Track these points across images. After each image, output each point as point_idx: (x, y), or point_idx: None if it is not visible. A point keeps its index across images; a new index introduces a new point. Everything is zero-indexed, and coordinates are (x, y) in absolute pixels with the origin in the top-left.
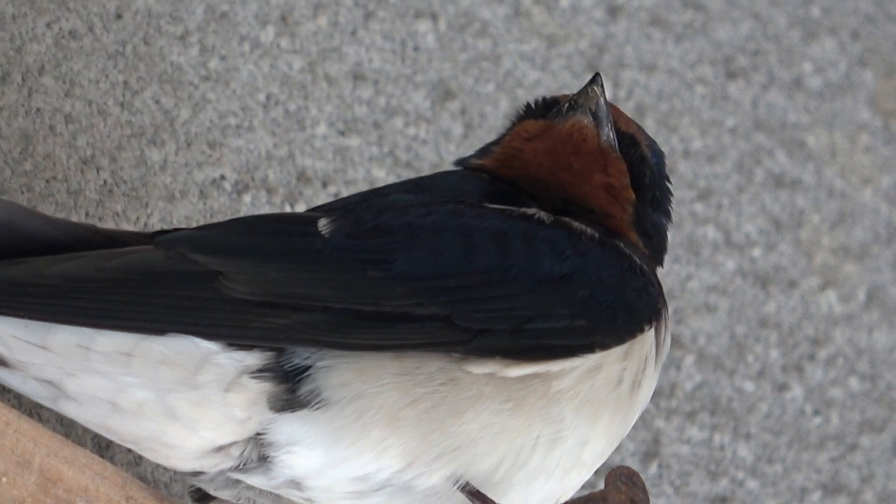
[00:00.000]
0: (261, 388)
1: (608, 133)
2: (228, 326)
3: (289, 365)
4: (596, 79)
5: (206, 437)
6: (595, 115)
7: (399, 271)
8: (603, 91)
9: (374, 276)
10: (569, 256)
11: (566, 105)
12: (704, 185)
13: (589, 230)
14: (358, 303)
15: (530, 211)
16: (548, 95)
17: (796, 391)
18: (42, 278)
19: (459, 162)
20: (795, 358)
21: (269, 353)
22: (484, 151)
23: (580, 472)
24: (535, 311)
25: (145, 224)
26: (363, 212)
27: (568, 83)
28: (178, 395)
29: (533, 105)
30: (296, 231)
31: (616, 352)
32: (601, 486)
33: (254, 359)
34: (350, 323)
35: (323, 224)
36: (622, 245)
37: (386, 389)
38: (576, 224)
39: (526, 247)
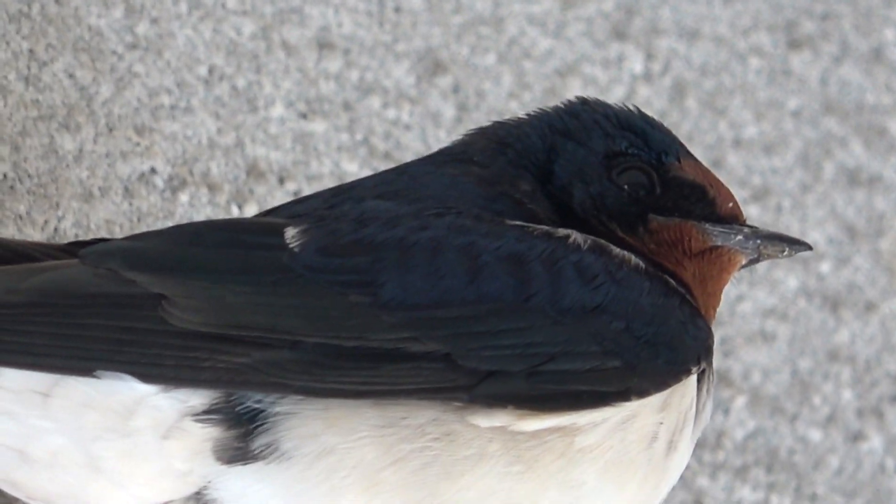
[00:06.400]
0: (206, 435)
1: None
2: (174, 366)
3: (242, 407)
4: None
5: (136, 495)
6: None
7: (388, 297)
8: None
9: (358, 303)
10: (601, 284)
11: (740, 236)
12: (760, 182)
13: (633, 258)
14: (337, 336)
15: (561, 231)
16: (710, 191)
17: (874, 441)
18: None
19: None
20: (874, 400)
21: (218, 392)
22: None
23: None
24: (557, 347)
25: (55, 229)
26: (340, 220)
27: (588, 53)
28: (104, 444)
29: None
30: (257, 243)
31: (654, 400)
32: None
33: (199, 398)
34: (326, 363)
35: (291, 235)
36: (672, 281)
37: (363, 444)
38: (616, 249)
39: (549, 272)
